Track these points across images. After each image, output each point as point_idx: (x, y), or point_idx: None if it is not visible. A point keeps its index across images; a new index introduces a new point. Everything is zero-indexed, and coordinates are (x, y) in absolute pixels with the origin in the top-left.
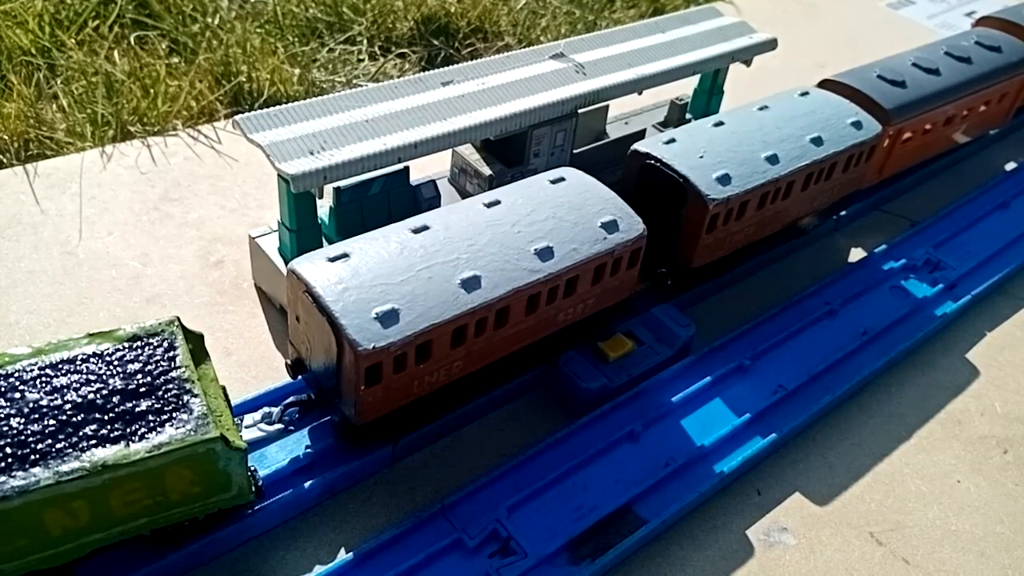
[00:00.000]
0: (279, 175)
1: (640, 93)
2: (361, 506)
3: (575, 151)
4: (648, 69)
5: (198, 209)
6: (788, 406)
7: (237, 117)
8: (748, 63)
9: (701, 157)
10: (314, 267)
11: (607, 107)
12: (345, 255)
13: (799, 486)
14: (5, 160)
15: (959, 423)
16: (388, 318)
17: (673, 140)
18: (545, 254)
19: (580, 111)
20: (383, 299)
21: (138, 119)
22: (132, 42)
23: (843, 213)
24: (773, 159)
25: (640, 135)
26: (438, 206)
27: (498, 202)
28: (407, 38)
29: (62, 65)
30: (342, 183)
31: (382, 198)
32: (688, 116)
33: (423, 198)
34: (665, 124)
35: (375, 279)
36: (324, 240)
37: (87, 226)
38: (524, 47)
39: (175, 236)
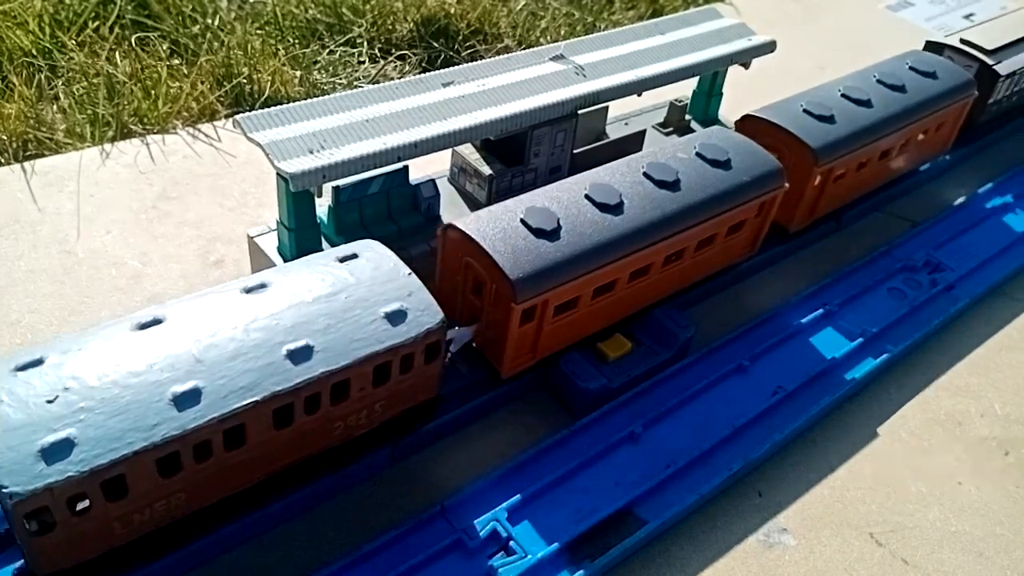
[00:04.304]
0: (278, 174)
1: (640, 94)
2: (361, 506)
3: (575, 151)
4: (647, 71)
5: (197, 208)
6: (787, 407)
7: (237, 116)
8: (747, 65)
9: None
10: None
11: (607, 108)
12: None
13: (799, 487)
14: (3, 160)
15: (959, 424)
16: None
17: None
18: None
19: (580, 112)
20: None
21: (139, 120)
22: (133, 43)
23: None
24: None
25: (640, 136)
26: (438, 205)
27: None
28: (407, 40)
29: (63, 66)
30: (341, 182)
31: (381, 197)
32: (688, 117)
33: (422, 197)
34: (665, 125)
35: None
36: (323, 239)
37: (85, 225)
38: (523, 49)
39: (174, 235)
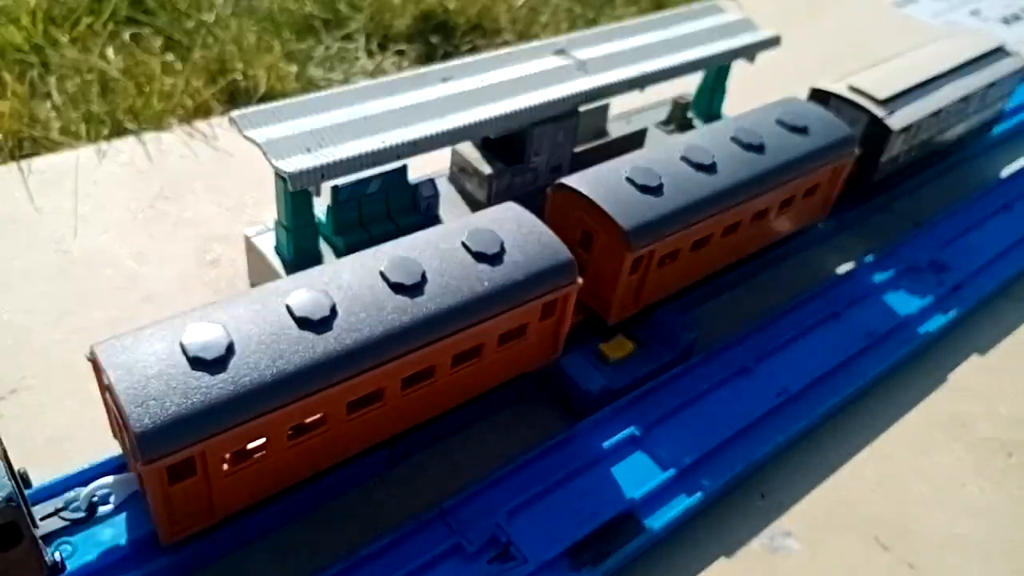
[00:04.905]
0: (276, 173)
1: (642, 90)
2: (359, 510)
3: (576, 150)
4: (650, 66)
5: (194, 207)
6: (792, 409)
7: (233, 114)
8: (752, 60)
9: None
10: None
11: (608, 105)
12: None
13: (803, 490)
14: None
15: (963, 426)
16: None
17: None
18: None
19: (581, 109)
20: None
21: (134, 117)
22: (126, 39)
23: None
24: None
25: (642, 133)
26: (437, 204)
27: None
28: (405, 35)
29: (56, 63)
30: (340, 181)
31: (380, 196)
32: (690, 115)
33: (422, 196)
34: (667, 123)
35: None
36: (321, 239)
37: (82, 224)
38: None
39: (171, 234)
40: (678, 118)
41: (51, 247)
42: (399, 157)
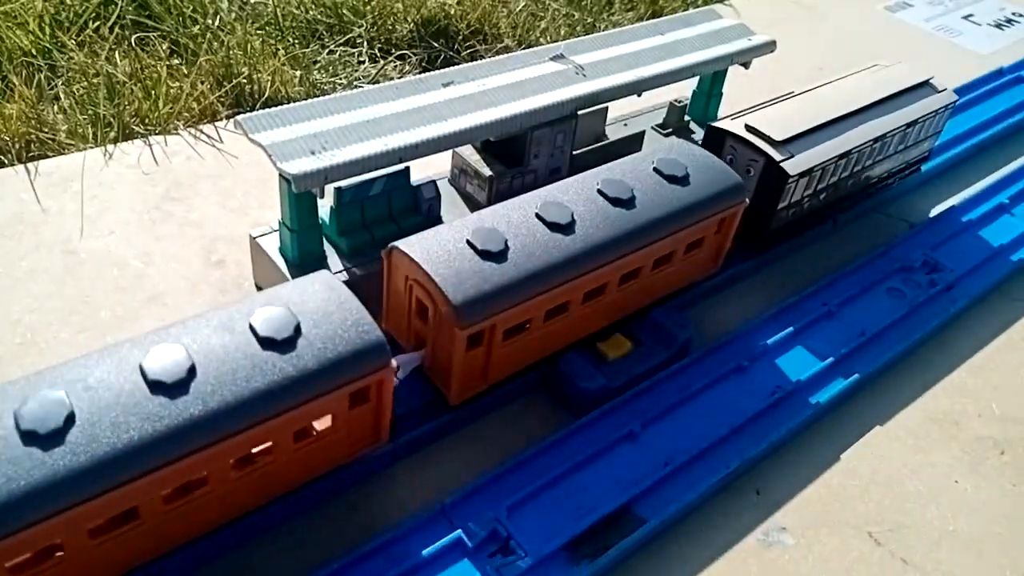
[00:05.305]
0: (281, 175)
1: (639, 95)
2: (361, 505)
3: (574, 152)
4: (647, 71)
5: (200, 208)
6: (785, 407)
7: (239, 117)
8: (747, 65)
9: None
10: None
11: (606, 109)
12: None
13: (798, 486)
14: (6, 160)
15: (956, 424)
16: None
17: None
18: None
19: (579, 113)
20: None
21: (140, 121)
22: (133, 43)
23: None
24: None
25: (639, 137)
26: (438, 206)
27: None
28: (407, 40)
29: (63, 66)
30: (343, 183)
31: (383, 198)
32: (687, 118)
33: (424, 198)
34: (664, 126)
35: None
36: (325, 240)
37: (89, 225)
38: (523, 49)
39: (177, 235)
40: (675, 121)
41: (58, 248)
42: (401, 160)
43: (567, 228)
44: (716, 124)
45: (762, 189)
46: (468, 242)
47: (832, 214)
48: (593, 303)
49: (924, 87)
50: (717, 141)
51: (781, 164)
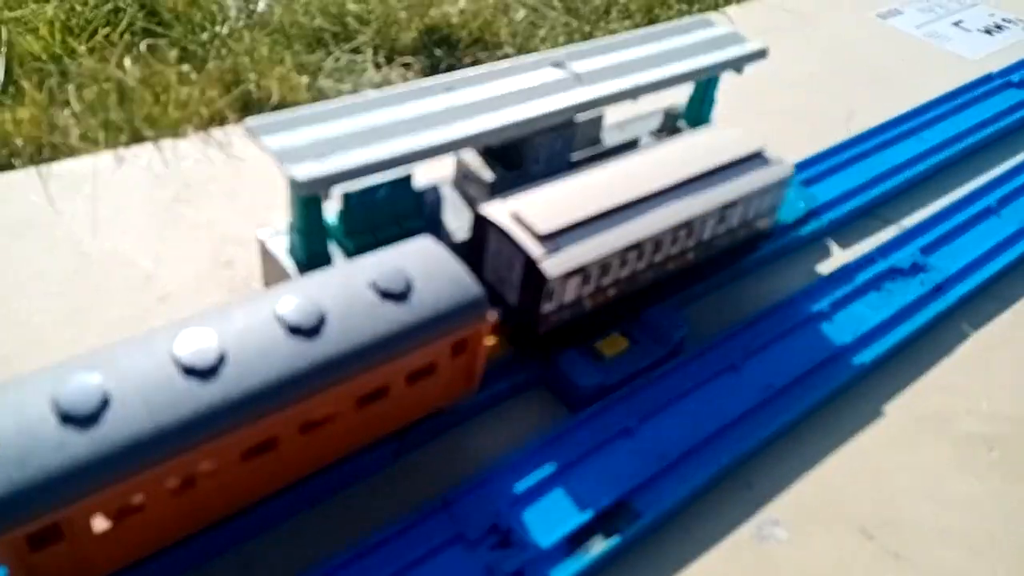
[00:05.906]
0: (288, 179)
1: (635, 101)
2: (363, 501)
3: (572, 158)
4: (643, 78)
5: (209, 210)
6: (778, 403)
7: (247, 122)
8: (740, 71)
9: None
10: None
11: (603, 115)
12: None
13: (790, 481)
14: (19, 163)
15: (947, 421)
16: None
17: None
18: None
19: (577, 119)
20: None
21: (151, 125)
22: (142, 50)
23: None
24: None
25: (635, 142)
26: (440, 209)
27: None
28: (410, 48)
29: (74, 72)
30: (349, 186)
31: (388, 201)
32: (681, 124)
33: (427, 202)
34: (659, 131)
35: None
36: (332, 241)
37: (100, 226)
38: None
39: (186, 237)
40: (670, 126)
41: (70, 249)
42: (405, 164)
43: (209, 372)
44: (482, 211)
45: (526, 290)
46: (53, 400)
47: (640, 305)
48: (268, 458)
49: (755, 159)
50: (482, 231)
51: (539, 265)
